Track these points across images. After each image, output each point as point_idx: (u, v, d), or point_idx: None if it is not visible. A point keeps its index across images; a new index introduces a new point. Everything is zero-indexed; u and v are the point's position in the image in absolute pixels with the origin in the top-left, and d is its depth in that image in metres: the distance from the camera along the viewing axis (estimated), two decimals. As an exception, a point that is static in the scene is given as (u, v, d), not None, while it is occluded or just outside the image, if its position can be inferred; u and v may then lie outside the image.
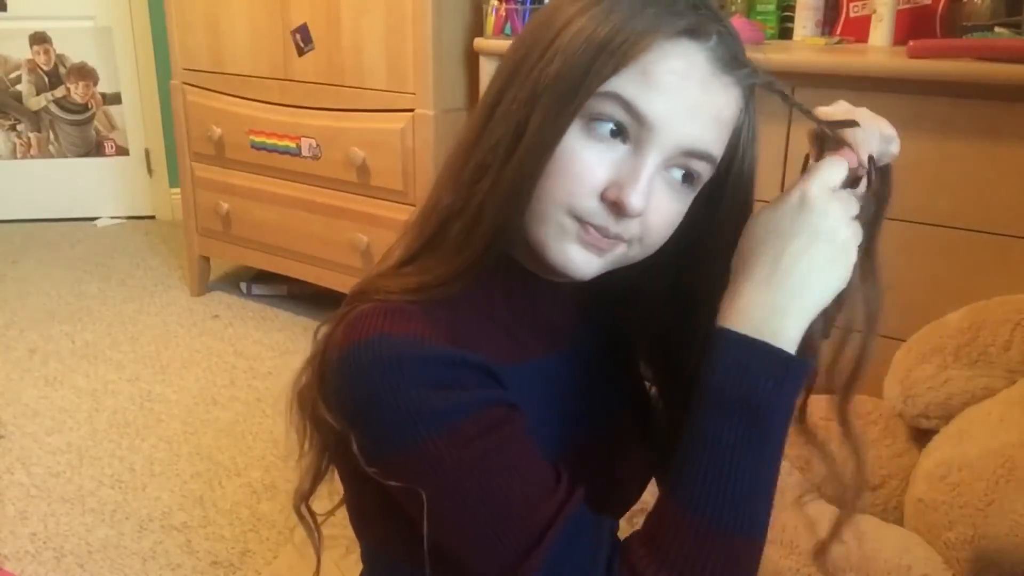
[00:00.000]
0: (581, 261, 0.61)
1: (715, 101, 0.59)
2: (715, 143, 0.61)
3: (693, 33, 0.58)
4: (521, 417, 0.61)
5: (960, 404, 1.18)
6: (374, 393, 0.58)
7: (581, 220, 0.60)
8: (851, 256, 0.58)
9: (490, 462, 0.58)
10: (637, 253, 0.63)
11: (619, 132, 0.59)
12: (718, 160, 0.62)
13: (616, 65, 0.57)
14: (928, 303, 1.41)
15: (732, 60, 0.59)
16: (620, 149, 0.59)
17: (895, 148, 0.66)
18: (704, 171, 0.62)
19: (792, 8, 1.94)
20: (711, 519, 0.56)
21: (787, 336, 0.56)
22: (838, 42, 1.82)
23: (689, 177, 0.62)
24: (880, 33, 1.76)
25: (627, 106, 0.58)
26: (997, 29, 1.66)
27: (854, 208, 0.60)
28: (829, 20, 1.92)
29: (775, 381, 0.56)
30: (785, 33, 1.98)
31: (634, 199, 0.58)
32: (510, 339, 0.68)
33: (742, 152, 0.64)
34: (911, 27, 1.77)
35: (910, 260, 1.54)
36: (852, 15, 1.88)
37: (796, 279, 0.57)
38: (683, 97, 0.58)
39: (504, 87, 0.62)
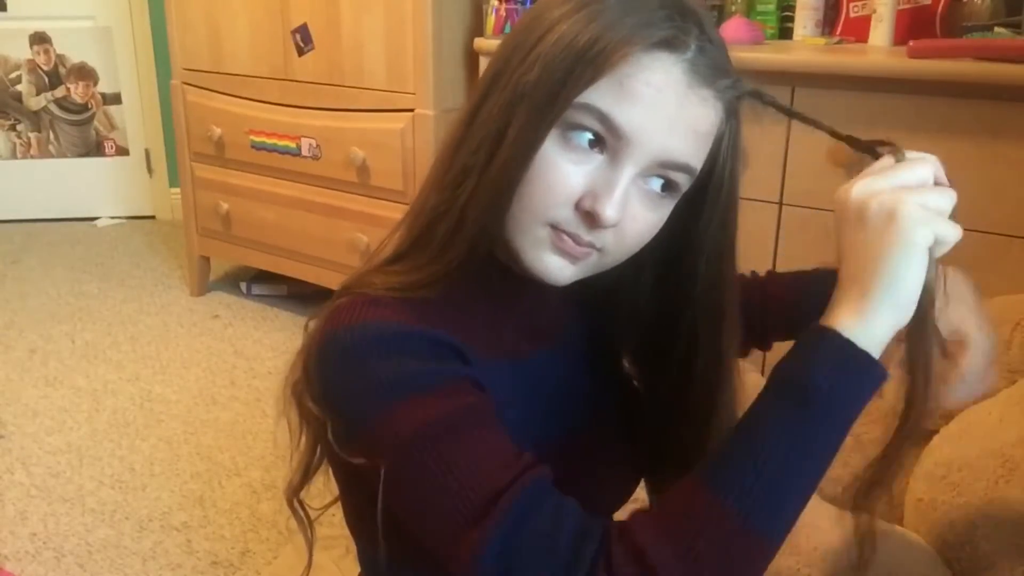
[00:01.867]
0: (555, 268, 0.62)
1: (692, 114, 0.59)
2: (693, 155, 0.61)
3: (670, 45, 0.58)
4: (486, 396, 0.61)
5: (960, 404, 1.18)
6: (343, 374, 0.60)
7: (555, 228, 0.60)
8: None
9: (449, 431, 0.57)
10: (611, 260, 0.64)
11: (596, 143, 0.59)
12: (697, 170, 0.62)
13: (593, 76, 0.57)
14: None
15: (712, 72, 0.59)
16: (596, 159, 0.60)
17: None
18: (683, 181, 0.62)
19: (792, 8, 1.94)
20: (755, 521, 0.53)
21: (878, 352, 0.55)
22: (838, 42, 1.82)
23: (668, 186, 0.62)
24: (880, 33, 1.76)
25: (603, 118, 0.58)
26: (997, 29, 1.66)
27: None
28: (829, 20, 1.92)
29: (867, 390, 0.55)
30: (785, 33, 1.98)
31: (608, 210, 0.59)
32: (491, 336, 0.69)
33: (722, 162, 0.64)
34: (911, 27, 1.77)
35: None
36: (852, 15, 1.88)
37: (906, 302, 0.54)
38: (659, 110, 0.58)
39: (488, 89, 0.63)
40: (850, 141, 0.62)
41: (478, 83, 0.65)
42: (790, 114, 0.64)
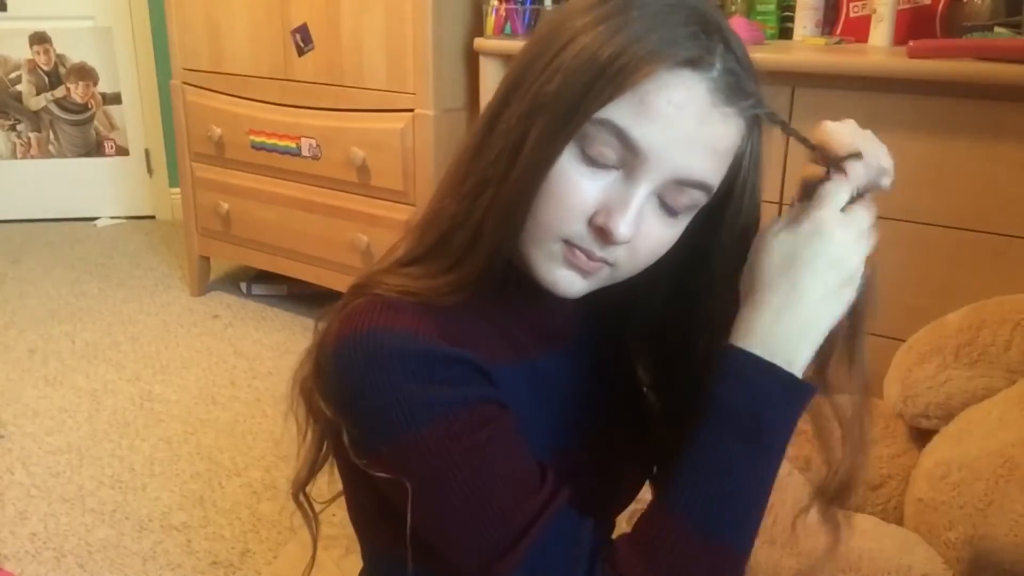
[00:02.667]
0: (566, 282, 0.62)
1: (712, 132, 0.59)
2: (711, 173, 0.60)
3: (694, 64, 0.57)
4: (510, 416, 0.62)
5: (960, 404, 1.18)
6: (366, 386, 0.59)
7: (568, 243, 0.60)
8: (857, 280, 0.60)
9: (476, 457, 0.58)
10: (623, 275, 0.64)
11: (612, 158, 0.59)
12: (715, 188, 0.62)
13: (613, 92, 0.56)
14: (928, 303, 1.41)
15: (734, 90, 0.58)
16: (612, 175, 0.59)
17: (887, 182, 0.65)
18: (699, 198, 0.62)
19: (792, 8, 1.94)
20: (704, 528, 0.58)
21: (799, 362, 0.59)
22: (838, 42, 1.82)
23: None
24: (880, 33, 1.76)
25: (620, 134, 0.57)
26: (997, 29, 1.66)
27: (866, 221, 0.60)
28: (829, 20, 1.92)
29: (785, 405, 0.59)
30: (785, 33, 1.98)
31: (622, 227, 0.58)
32: (505, 340, 0.69)
33: (743, 180, 0.63)
34: (911, 27, 1.77)
35: (910, 260, 1.54)
36: (852, 15, 1.88)
37: (811, 307, 0.59)
38: (679, 128, 0.57)
39: (508, 97, 0.62)
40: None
41: (498, 89, 0.64)
42: (804, 142, 0.63)
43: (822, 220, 0.59)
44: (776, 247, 0.60)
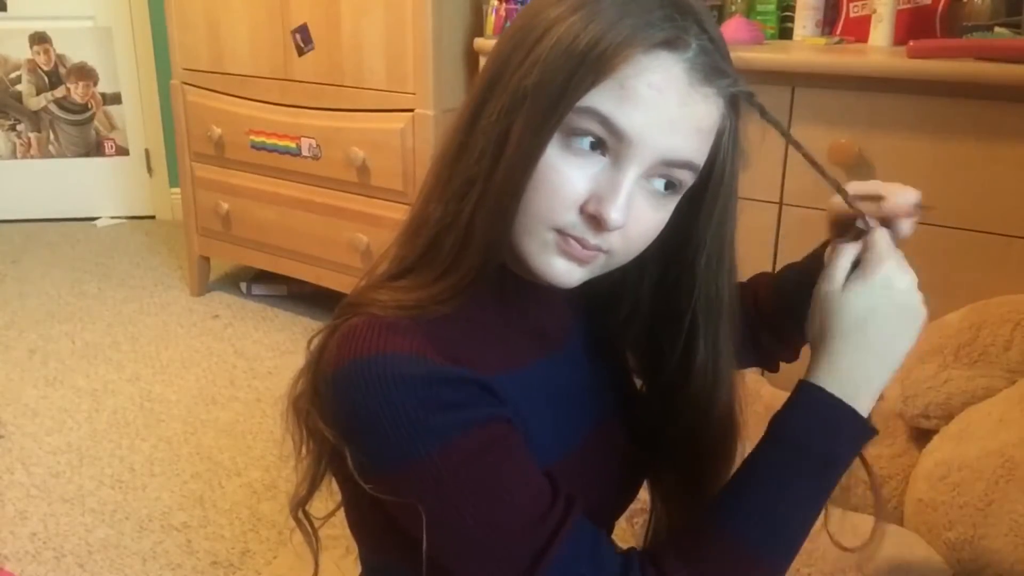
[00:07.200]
0: (564, 272, 0.62)
1: (694, 112, 0.59)
2: (696, 152, 0.61)
3: (670, 45, 0.57)
4: (517, 432, 0.62)
5: (960, 404, 1.18)
6: (371, 412, 0.58)
7: (561, 232, 0.60)
8: (921, 316, 0.65)
9: (488, 480, 0.58)
10: (618, 261, 0.64)
11: (598, 145, 0.59)
12: (700, 167, 0.62)
13: (593, 80, 0.56)
14: (928, 303, 1.41)
15: (712, 70, 0.59)
16: (599, 162, 0.59)
17: (907, 230, 0.69)
18: (686, 178, 0.62)
19: (792, 8, 1.94)
20: (758, 549, 0.61)
21: (866, 403, 0.63)
22: (838, 42, 1.82)
23: (671, 185, 0.62)
24: (880, 33, 1.76)
25: (605, 121, 0.57)
26: (997, 29, 1.66)
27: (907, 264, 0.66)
28: (829, 20, 1.92)
29: (852, 445, 0.63)
30: (785, 33, 1.98)
31: (613, 214, 0.58)
32: (505, 346, 0.68)
33: (722, 158, 0.64)
34: (911, 27, 1.77)
35: (910, 260, 1.54)
36: (852, 15, 1.88)
37: (883, 348, 0.63)
38: (661, 110, 0.58)
39: (486, 94, 0.62)
40: (836, 187, 0.67)
41: (475, 86, 0.64)
42: (779, 128, 0.65)
43: (889, 274, 0.64)
44: (853, 301, 0.64)
